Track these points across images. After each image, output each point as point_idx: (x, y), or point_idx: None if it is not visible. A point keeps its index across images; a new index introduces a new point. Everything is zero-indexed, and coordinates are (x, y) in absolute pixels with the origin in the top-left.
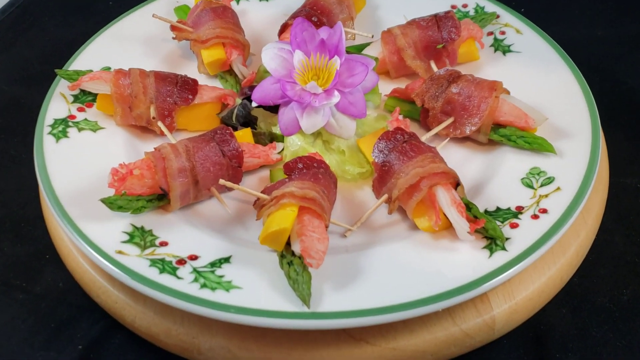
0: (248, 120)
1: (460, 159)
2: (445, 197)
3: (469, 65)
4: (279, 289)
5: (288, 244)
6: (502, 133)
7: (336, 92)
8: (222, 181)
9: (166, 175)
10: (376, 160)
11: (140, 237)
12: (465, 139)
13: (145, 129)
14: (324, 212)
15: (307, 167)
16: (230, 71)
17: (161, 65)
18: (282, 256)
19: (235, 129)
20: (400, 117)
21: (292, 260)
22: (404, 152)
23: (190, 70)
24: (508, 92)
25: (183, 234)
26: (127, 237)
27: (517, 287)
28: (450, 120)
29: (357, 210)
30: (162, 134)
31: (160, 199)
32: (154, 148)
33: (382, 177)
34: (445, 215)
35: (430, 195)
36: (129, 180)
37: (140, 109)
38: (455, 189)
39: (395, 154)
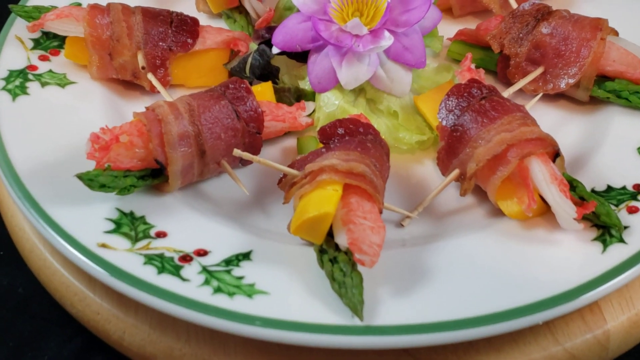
0: (267, 73)
1: (553, 122)
2: (542, 172)
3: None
4: (319, 294)
5: (329, 234)
6: (610, 88)
7: (386, 33)
8: (236, 151)
9: (163, 143)
10: (444, 124)
11: (130, 226)
12: (558, 96)
13: (129, 84)
14: (376, 191)
15: (351, 133)
16: (240, 8)
17: (148, 1)
18: (321, 251)
19: (251, 83)
20: (472, 66)
21: (336, 257)
22: (482, 112)
23: (186, 7)
24: (617, 33)
25: (186, 222)
26: (112, 226)
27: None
28: (540, 70)
29: (416, 191)
30: (153, 90)
31: (155, 176)
32: (146, 108)
33: (452, 146)
34: (541, 196)
35: (521, 169)
36: (114, 150)
37: (123, 56)
38: (554, 161)
39: (470, 114)
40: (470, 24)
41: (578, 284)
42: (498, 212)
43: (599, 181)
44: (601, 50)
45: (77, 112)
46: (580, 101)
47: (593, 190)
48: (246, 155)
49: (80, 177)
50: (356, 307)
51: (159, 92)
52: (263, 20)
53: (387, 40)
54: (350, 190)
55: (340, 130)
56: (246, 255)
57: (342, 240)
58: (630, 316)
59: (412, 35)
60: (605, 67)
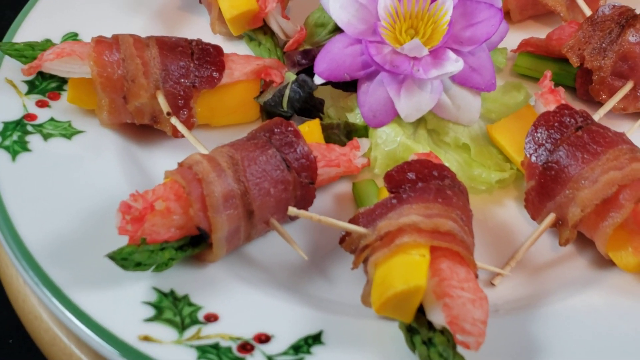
0: (309, 106)
1: None
2: None
3: None
4: None
5: (419, 310)
6: None
7: (451, 54)
8: (292, 210)
9: (205, 206)
10: (533, 160)
11: (174, 310)
12: None
13: (144, 127)
14: (469, 253)
15: (423, 178)
16: (264, 28)
17: (153, 26)
18: (410, 330)
19: (288, 118)
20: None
21: (432, 338)
22: (581, 146)
23: (198, 30)
24: None
25: (239, 299)
26: (152, 312)
27: None
28: (629, 85)
29: (501, 240)
30: (176, 135)
31: (195, 244)
32: (179, 164)
33: (545, 187)
34: None
35: (637, 214)
36: (149, 220)
37: (140, 98)
38: None
39: (566, 149)
40: (532, 30)
41: None
42: (604, 261)
43: None
44: None
45: (90, 169)
46: None
47: None
48: (303, 213)
49: (112, 257)
50: None
51: (182, 136)
52: (294, 42)
53: (455, 64)
54: (439, 254)
55: (411, 175)
56: (317, 338)
57: (437, 317)
58: None
59: (480, 54)
60: None
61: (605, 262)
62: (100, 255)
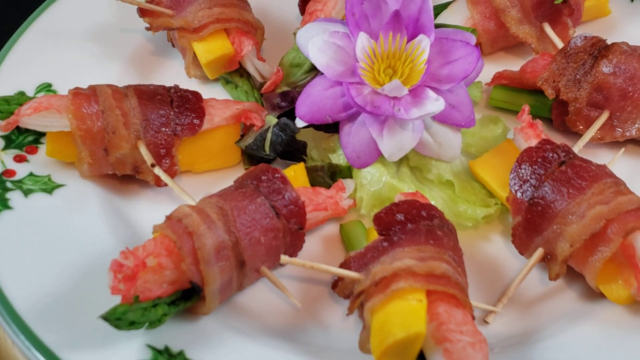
0: (292, 149)
1: (624, 174)
2: None
3: (597, 25)
4: None
5: (419, 355)
6: None
7: (431, 93)
8: (285, 258)
9: (197, 260)
10: (519, 197)
11: None
12: (622, 142)
13: (126, 177)
14: (465, 295)
15: (412, 219)
16: (240, 71)
17: (127, 73)
18: None
19: (270, 161)
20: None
21: None
22: (565, 181)
23: (173, 74)
24: None
25: (234, 351)
26: None
27: None
28: (605, 116)
29: (489, 275)
30: (158, 184)
31: (187, 297)
32: (167, 217)
33: (532, 223)
34: None
35: (625, 247)
36: (141, 277)
37: (121, 149)
38: None
39: (551, 184)
40: (504, 62)
41: None
42: (594, 293)
43: None
44: None
45: (74, 224)
46: None
47: None
48: (295, 262)
49: (105, 318)
50: None
51: (165, 185)
52: (272, 84)
53: (435, 103)
54: (435, 297)
55: (400, 217)
56: None
57: None
58: None
59: (458, 91)
60: None
61: (595, 294)
62: (90, 313)
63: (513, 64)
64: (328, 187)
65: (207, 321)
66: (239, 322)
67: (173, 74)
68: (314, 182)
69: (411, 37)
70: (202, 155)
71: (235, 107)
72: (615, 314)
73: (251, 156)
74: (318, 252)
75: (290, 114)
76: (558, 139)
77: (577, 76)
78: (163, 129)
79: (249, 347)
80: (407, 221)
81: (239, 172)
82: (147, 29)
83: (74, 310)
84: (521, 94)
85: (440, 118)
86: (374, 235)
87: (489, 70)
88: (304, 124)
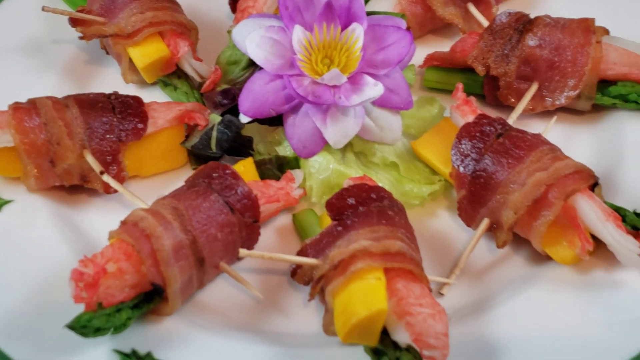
0: (238, 145)
1: (557, 141)
2: (593, 210)
3: (518, 0)
4: None
5: (383, 331)
6: (615, 92)
7: (369, 79)
8: (243, 252)
9: (157, 261)
10: (462, 171)
11: None
12: (554, 111)
13: (74, 187)
14: (421, 269)
15: (363, 202)
16: (178, 72)
17: (64, 84)
18: (376, 352)
19: (217, 159)
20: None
21: (399, 357)
22: (504, 152)
23: (110, 81)
24: (607, 32)
25: (201, 347)
26: None
27: None
28: (535, 87)
29: (440, 250)
30: (107, 191)
31: (149, 300)
32: (122, 222)
33: (476, 195)
34: (591, 234)
35: (567, 210)
36: (103, 284)
37: (68, 160)
38: (593, 191)
39: (491, 156)
40: (433, 44)
41: None
42: (540, 257)
43: (637, 201)
44: (599, 54)
45: (27, 239)
46: (580, 111)
47: (636, 214)
48: (254, 254)
49: (71, 327)
50: None
51: (114, 192)
52: (211, 83)
53: (374, 88)
54: (392, 274)
55: (351, 201)
56: None
57: (402, 336)
58: None
59: (394, 75)
60: (606, 72)
61: (542, 258)
62: (54, 325)
63: (443, 46)
64: (277, 179)
65: (172, 321)
66: (202, 319)
67: (110, 81)
68: (263, 176)
69: (345, 26)
70: (149, 158)
71: (177, 109)
72: (562, 275)
73: (198, 156)
74: (274, 244)
75: (233, 111)
76: (492, 113)
77: (505, 51)
78: (107, 136)
79: (214, 342)
80: (358, 204)
81: (187, 173)
82: (81, 38)
83: (38, 323)
84: (453, 73)
85: (380, 102)
86: (327, 222)
87: (420, 53)
88: (248, 119)
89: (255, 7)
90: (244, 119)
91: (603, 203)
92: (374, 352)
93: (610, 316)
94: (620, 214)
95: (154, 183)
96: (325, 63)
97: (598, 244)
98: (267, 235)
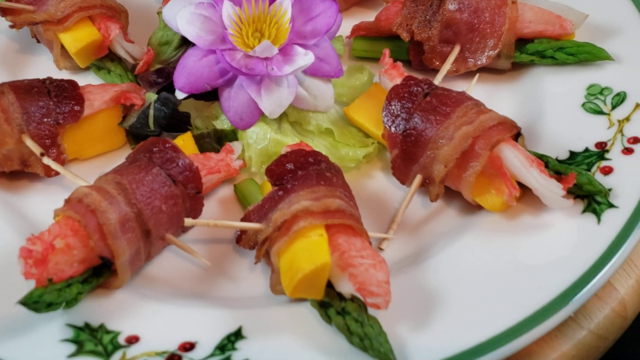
0: (176, 122)
1: (481, 99)
2: (518, 158)
3: None
4: (338, 352)
5: (328, 285)
6: (532, 50)
7: (299, 49)
8: (189, 221)
9: (104, 235)
10: (393, 131)
11: (94, 340)
12: (477, 70)
13: (14, 175)
14: (360, 224)
15: (301, 167)
16: (111, 56)
17: None
18: (323, 305)
19: (158, 136)
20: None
21: (345, 307)
22: (432, 110)
23: (43, 69)
24: None
25: (154, 316)
26: (73, 347)
27: (638, 250)
28: (457, 49)
29: (379, 209)
30: (48, 174)
31: (98, 274)
32: (66, 200)
33: (408, 153)
34: (517, 181)
35: (493, 159)
36: (51, 259)
37: (7, 145)
38: (516, 141)
39: (420, 115)
40: (359, 16)
41: (594, 261)
42: (471, 207)
43: (559, 149)
44: (515, 14)
45: None
46: (501, 70)
47: (558, 161)
48: (199, 222)
49: (23, 302)
50: (388, 356)
51: (56, 174)
52: (144, 64)
53: (305, 57)
54: (334, 230)
55: (290, 166)
56: (238, 334)
57: (346, 287)
58: (637, 277)
59: (323, 45)
60: (522, 30)
61: (473, 208)
62: (6, 304)
63: (368, 16)
64: (217, 152)
65: (122, 293)
66: (152, 290)
67: (43, 69)
68: (202, 149)
69: (273, 0)
70: (87, 140)
71: (113, 90)
72: (492, 222)
73: (136, 135)
74: (218, 214)
75: (168, 89)
76: (419, 77)
77: (427, 17)
78: (45, 119)
79: (168, 310)
80: (297, 169)
81: (126, 153)
82: (11, 26)
83: None
84: (379, 41)
85: (312, 72)
86: (268, 189)
87: (348, 24)
88: (184, 96)
89: None
90: (180, 95)
91: (526, 151)
92: (321, 305)
93: (539, 257)
94: (543, 160)
95: (94, 165)
96: (256, 36)
97: (525, 190)
98: (211, 206)
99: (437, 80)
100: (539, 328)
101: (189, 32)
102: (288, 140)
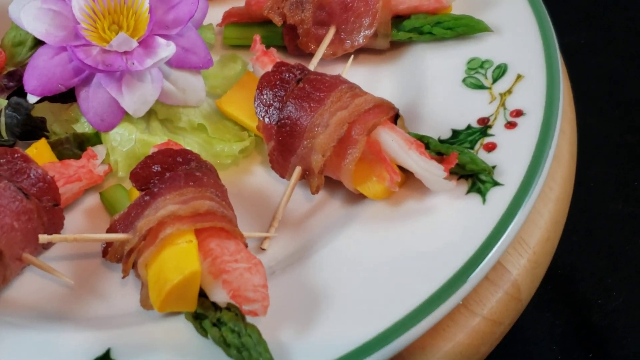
0: (30, 128)
1: (361, 81)
2: (395, 141)
3: None
4: None
5: (201, 295)
6: (409, 26)
7: (161, 40)
8: (43, 237)
9: None
10: (267, 122)
11: None
12: (357, 52)
13: None
14: (233, 225)
15: (169, 168)
16: None
17: None
18: (197, 317)
19: (10, 147)
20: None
21: (220, 318)
22: (305, 96)
23: None
24: None
25: (14, 345)
26: None
27: (528, 228)
28: (333, 31)
29: (260, 207)
30: None
31: None
32: None
33: (284, 144)
34: (398, 165)
35: (371, 144)
36: None
37: None
38: (396, 123)
39: (293, 102)
40: (230, 2)
41: (481, 243)
42: (356, 197)
43: (441, 128)
44: None
45: None
46: (381, 50)
47: (440, 140)
48: (56, 237)
49: None
50: None
51: None
52: None
53: (167, 48)
54: (205, 235)
55: (157, 168)
56: (105, 358)
57: (220, 296)
58: (529, 257)
59: (188, 34)
60: (398, 7)
61: (356, 197)
62: None
63: (240, 2)
64: (79, 158)
65: None
66: (12, 317)
67: None
68: (62, 157)
69: None
70: None
71: None
72: (376, 210)
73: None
74: (84, 226)
75: (21, 93)
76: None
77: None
78: None
79: (28, 337)
80: (165, 170)
81: None
82: None
83: None
84: (252, 27)
85: (178, 64)
86: (137, 194)
87: (218, 12)
88: (37, 99)
89: None
90: (32, 98)
91: (406, 133)
92: (195, 317)
93: (426, 244)
94: (424, 141)
95: None
96: (114, 29)
97: (408, 175)
98: (75, 218)
99: (313, 65)
100: (428, 319)
101: (37, 29)
102: (156, 140)
